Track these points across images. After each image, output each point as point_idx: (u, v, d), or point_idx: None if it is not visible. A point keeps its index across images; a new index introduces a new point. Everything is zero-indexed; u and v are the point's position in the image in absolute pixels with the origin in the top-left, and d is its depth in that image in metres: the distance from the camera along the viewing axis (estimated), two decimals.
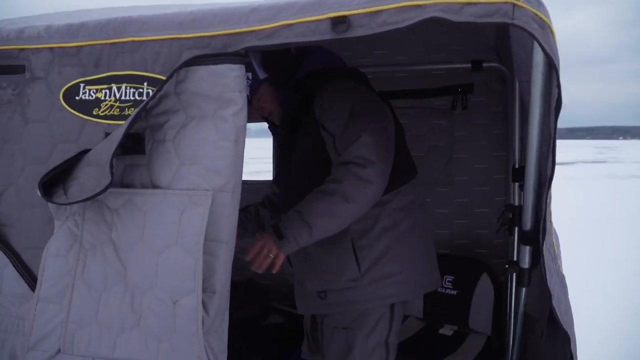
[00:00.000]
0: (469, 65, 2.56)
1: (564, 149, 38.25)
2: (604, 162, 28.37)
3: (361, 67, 2.75)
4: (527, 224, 1.44)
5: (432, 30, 2.52)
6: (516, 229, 1.82)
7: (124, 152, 1.25)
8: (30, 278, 1.36)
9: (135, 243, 1.20)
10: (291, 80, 1.75)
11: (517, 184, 1.95)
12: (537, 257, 1.46)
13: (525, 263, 1.53)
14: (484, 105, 2.62)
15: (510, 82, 2.46)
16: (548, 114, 1.20)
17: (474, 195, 2.65)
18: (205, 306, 1.15)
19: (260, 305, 2.74)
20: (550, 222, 1.42)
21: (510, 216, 1.86)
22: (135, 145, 1.26)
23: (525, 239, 1.47)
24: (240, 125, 1.17)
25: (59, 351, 1.23)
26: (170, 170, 1.20)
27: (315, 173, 1.64)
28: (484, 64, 2.54)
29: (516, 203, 1.95)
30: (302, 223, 1.53)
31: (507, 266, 1.66)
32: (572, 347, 1.50)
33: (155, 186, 1.21)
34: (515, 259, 1.70)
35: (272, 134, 2.14)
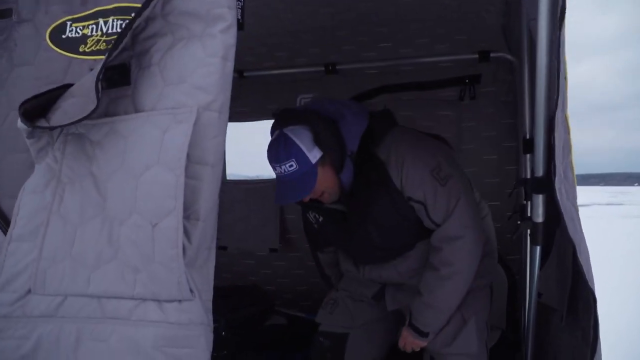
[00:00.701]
0: (476, 56, 2.51)
1: (579, 194, 37.79)
2: (620, 204, 27.96)
3: (366, 62, 2.74)
4: (539, 169, 1.33)
5: (436, 20, 2.52)
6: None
7: (109, 85, 1.19)
8: (7, 226, 1.27)
9: (115, 172, 1.11)
10: (346, 152, 1.63)
11: (528, 156, 1.85)
12: (553, 209, 1.34)
13: (539, 216, 1.41)
14: (492, 95, 2.56)
15: (519, 71, 2.41)
16: (557, 54, 1.14)
17: (483, 186, 2.53)
18: (187, 233, 1.05)
19: (263, 307, 2.60)
20: (572, 169, 1.31)
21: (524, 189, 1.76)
22: (121, 77, 1.19)
23: (537, 185, 1.35)
24: (229, 43, 1.10)
25: (28, 291, 1.12)
26: (155, 92, 1.13)
27: (402, 231, 1.72)
28: (492, 54, 2.49)
29: (528, 176, 1.84)
30: (437, 314, 1.69)
31: (519, 222, 1.53)
32: (594, 332, 1.35)
33: (139, 111, 1.14)
34: (529, 214, 1.58)
35: (306, 207, 1.90)
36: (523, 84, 1.80)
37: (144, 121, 1.10)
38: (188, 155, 1.04)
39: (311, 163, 1.59)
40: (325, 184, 1.66)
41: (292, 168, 1.58)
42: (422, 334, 1.71)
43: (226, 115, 1.10)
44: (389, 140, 1.66)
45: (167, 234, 1.01)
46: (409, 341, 1.74)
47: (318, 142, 1.60)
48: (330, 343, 1.87)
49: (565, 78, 1.15)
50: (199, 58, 1.09)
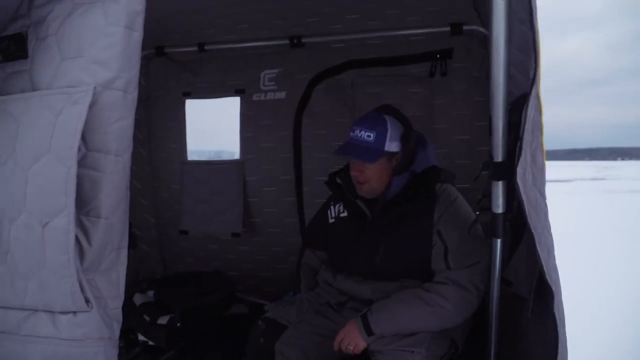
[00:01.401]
0: (448, 28, 2.35)
1: (563, 169, 38.22)
2: (603, 179, 28.31)
3: (332, 35, 2.58)
4: (498, 155, 1.20)
5: None
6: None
7: (5, 58, 1.03)
8: None
9: (5, 162, 0.96)
10: (411, 166, 1.72)
11: None
12: (512, 196, 1.22)
13: (499, 206, 1.28)
14: (464, 71, 2.40)
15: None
16: None
17: (454, 168, 2.39)
18: (86, 234, 0.91)
19: (224, 294, 2.47)
20: (542, 151, 1.18)
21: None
22: (17, 48, 1.03)
23: (496, 172, 1.21)
24: (135, 10, 0.94)
25: None
26: (52, 68, 0.97)
27: (403, 260, 1.70)
28: (464, 27, 2.33)
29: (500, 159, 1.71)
30: (391, 324, 1.59)
31: (477, 213, 1.40)
32: (557, 320, 1.26)
33: (36, 90, 0.98)
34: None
35: (340, 198, 1.90)
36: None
37: (36, 102, 0.94)
38: (85, 142, 0.90)
39: (383, 148, 1.67)
40: (378, 175, 1.71)
41: (368, 138, 1.68)
42: (368, 332, 1.60)
43: (133, 95, 0.95)
44: (447, 186, 1.76)
45: (57, 236, 0.87)
46: (352, 335, 1.62)
47: (402, 140, 1.71)
48: (266, 328, 1.78)
49: (538, 52, 1.01)
50: (99, 27, 0.93)
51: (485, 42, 2.34)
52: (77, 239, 0.89)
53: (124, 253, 0.99)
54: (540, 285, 1.47)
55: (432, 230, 1.67)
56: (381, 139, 1.68)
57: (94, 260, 0.91)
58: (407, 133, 1.72)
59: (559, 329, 1.22)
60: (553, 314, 1.21)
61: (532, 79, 1.05)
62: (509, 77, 1.11)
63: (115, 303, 0.96)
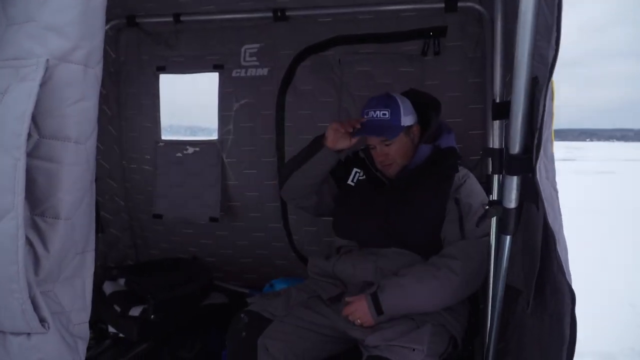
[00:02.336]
0: (442, 5, 2.21)
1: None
2: (573, 160, 29.01)
3: (320, 8, 2.41)
4: (515, 146, 1.08)
5: None
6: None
7: None
8: None
9: None
10: (435, 140, 1.83)
11: (497, 122, 1.59)
12: (529, 190, 1.10)
13: (512, 201, 1.17)
14: (458, 50, 2.27)
15: (489, 24, 2.13)
16: None
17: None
18: (42, 237, 0.75)
19: (201, 283, 2.33)
20: (552, 141, 1.07)
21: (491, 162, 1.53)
22: None
23: (513, 165, 1.10)
24: None
25: None
26: None
27: (423, 226, 1.72)
28: (459, 4, 2.20)
29: (497, 145, 1.59)
30: (403, 303, 1.57)
31: (487, 207, 1.29)
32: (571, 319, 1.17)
33: None
34: (496, 197, 1.34)
35: (358, 163, 1.97)
36: (495, 39, 1.52)
37: None
38: (37, 128, 0.73)
39: (400, 123, 1.75)
40: (402, 151, 1.79)
41: (384, 116, 1.74)
42: (378, 311, 1.56)
43: (97, 69, 0.78)
44: (463, 169, 1.82)
45: (3, 242, 0.71)
46: (361, 310, 1.58)
47: (419, 111, 1.83)
48: (249, 321, 1.67)
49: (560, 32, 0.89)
50: None
51: (480, 20, 2.21)
52: (30, 245, 0.74)
53: (91, 257, 0.84)
54: (539, 280, 1.39)
55: (448, 198, 1.72)
56: (397, 114, 1.75)
57: (52, 268, 0.76)
58: (436, 105, 1.85)
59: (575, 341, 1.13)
60: (574, 318, 1.11)
61: (551, 63, 0.93)
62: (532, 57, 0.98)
63: (81, 317, 0.81)
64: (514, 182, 1.13)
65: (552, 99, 1.09)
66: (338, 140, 1.73)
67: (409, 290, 1.56)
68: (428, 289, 1.56)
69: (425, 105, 1.87)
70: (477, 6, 2.17)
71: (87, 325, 0.83)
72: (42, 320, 0.74)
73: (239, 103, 2.54)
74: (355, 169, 1.95)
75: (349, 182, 1.93)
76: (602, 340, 3.14)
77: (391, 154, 1.78)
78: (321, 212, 2.03)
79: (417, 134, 1.84)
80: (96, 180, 2.54)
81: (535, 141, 1.00)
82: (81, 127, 0.76)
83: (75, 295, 0.81)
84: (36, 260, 0.74)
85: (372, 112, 1.76)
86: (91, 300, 0.85)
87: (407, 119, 1.78)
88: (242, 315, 1.71)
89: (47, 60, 0.72)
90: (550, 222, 1.05)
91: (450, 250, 1.63)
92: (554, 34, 0.90)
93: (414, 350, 1.44)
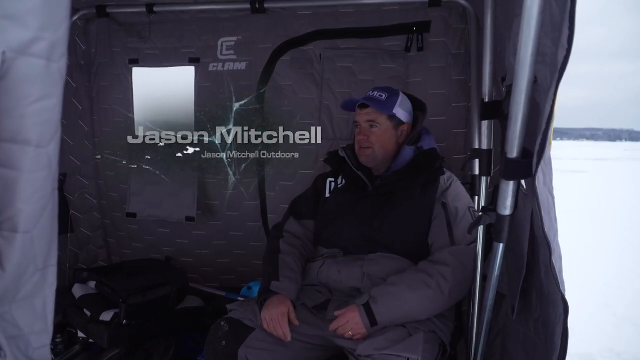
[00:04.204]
0: None
1: None
2: None
3: (300, 0, 2.33)
4: (513, 150, 1.03)
5: None
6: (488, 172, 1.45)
7: None
8: None
9: None
10: (417, 142, 1.82)
11: (485, 122, 1.55)
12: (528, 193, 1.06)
13: (507, 207, 1.12)
14: (442, 46, 2.23)
15: (474, 19, 2.09)
16: None
17: None
18: None
19: (175, 286, 2.24)
20: (550, 143, 1.03)
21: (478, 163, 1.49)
22: None
23: (511, 171, 1.05)
24: None
25: None
26: None
27: (409, 232, 1.69)
28: None
29: (485, 146, 1.55)
30: (397, 312, 1.51)
31: (480, 214, 1.24)
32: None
33: None
34: (483, 201, 1.30)
35: (338, 172, 1.93)
36: (485, 36, 1.47)
37: None
38: None
39: (392, 109, 1.77)
40: (382, 140, 1.78)
41: (380, 97, 1.78)
42: (372, 322, 1.50)
43: (60, 64, 0.70)
44: (447, 172, 1.80)
45: None
46: (353, 322, 1.51)
47: (414, 113, 1.86)
48: (229, 329, 1.59)
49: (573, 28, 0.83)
50: None
51: (465, 15, 2.18)
52: None
53: (52, 272, 0.75)
54: (524, 286, 1.36)
55: (434, 202, 1.70)
56: (392, 101, 1.78)
57: (8, 287, 0.68)
58: (422, 107, 1.87)
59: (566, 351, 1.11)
60: (566, 329, 1.08)
61: (562, 63, 0.87)
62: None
63: (42, 339, 0.73)
64: (510, 187, 1.09)
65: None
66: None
67: (402, 299, 1.51)
68: (421, 298, 1.52)
69: (412, 107, 1.87)
70: (462, 1, 2.13)
71: (48, 348, 0.74)
72: None
73: (217, 98, 2.45)
74: (329, 179, 1.93)
75: (326, 195, 1.90)
76: (579, 341, 3.17)
77: (371, 138, 1.78)
78: None
79: (405, 135, 1.82)
80: (65, 176, 2.45)
81: (537, 146, 0.95)
82: (42, 128, 0.68)
83: (35, 316, 0.73)
84: None
85: (371, 92, 1.81)
86: (52, 320, 0.76)
87: (400, 113, 1.79)
88: (221, 322, 1.63)
89: (3, 52, 0.63)
90: (545, 230, 1.00)
91: (441, 256, 1.59)
92: (565, 32, 0.85)
93: (408, 359, 1.39)
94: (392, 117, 1.78)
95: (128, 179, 2.57)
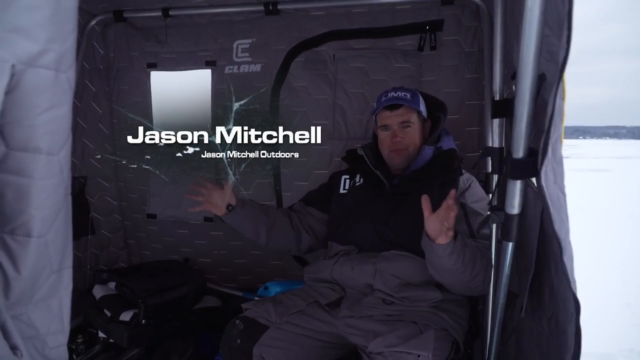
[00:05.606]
0: None
1: None
2: (567, 157, 29.21)
3: (313, 1, 2.34)
4: (519, 149, 1.02)
5: None
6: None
7: None
8: None
9: None
10: (437, 142, 1.85)
11: (497, 120, 1.54)
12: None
13: (514, 207, 1.12)
14: (455, 45, 2.21)
15: (487, 17, 2.07)
16: None
17: None
18: (12, 258, 0.69)
19: (193, 286, 2.27)
20: (561, 142, 1.02)
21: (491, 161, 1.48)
22: None
23: (516, 170, 1.04)
24: None
25: None
26: None
27: (416, 230, 1.62)
28: None
29: (496, 144, 1.54)
30: (460, 253, 1.48)
31: (488, 213, 1.23)
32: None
33: None
34: (495, 200, 1.29)
35: (357, 170, 1.94)
36: (495, 34, 1.46)
37: None
38: (4, 139, 0.67)
39: (419, 106, 1.81)
40: (417, 138, 1.82)
41: (405, 96, 1.79)
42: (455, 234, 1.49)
43: (69, 74, 0.72)
44: (467, 173, 1.81)
45: None
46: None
47: (435, 110, 1.89)
48: (244, 328, 1.61)
49: (572, 26, 0.83)
50: None
51: (478, 13, 2.16)
52: None
53: (68, 274, 0.78)
54: (535, 283, 1.35)
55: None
56: (416, 99, 1.81)
57: (24, 290, 0.71)
58: (443, 108, 1.90)
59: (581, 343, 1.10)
60: (579, 328, 1.07)
61: (561, 63, 0.87)
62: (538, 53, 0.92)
63: (59, 339, 0.76)
64: (517, 186, 1.08)
65: (562, 97, 1.03)
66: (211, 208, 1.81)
67: (468, 253, 1.50)
68: (475, 264, 1.52)
69: (431, 107, 1.90)
70: None
71: (65, 348, 0.77)
72: (13, 348, 0.68)
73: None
74: (344, 177, 1.94)
75: (342, 191, 1.91)
76: (600, 342, 3.11)
77: (407, 139, 1.79)
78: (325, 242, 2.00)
79: (427, 132, 1.87)
80: (86, 179, 2.50)
81: (542, 144, 0.94)
82: (53, 137, 0.71)
83: (52, 317, 0.75)
84: (6, 283, 0.68)
85: (393, 93, 1.81)
86: (69, 320, 0.79)
87: (423, 110, 1.83)
88: (237, 321, 1.65)
89: (13, 65, 0.66)
90: (556, 229, 0.99)
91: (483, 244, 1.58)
92: (565, 32, 0.84)
93: (419, 356, 1.39)
94: (420, 114, 1.82)
95: (147, 181, 2.62)
